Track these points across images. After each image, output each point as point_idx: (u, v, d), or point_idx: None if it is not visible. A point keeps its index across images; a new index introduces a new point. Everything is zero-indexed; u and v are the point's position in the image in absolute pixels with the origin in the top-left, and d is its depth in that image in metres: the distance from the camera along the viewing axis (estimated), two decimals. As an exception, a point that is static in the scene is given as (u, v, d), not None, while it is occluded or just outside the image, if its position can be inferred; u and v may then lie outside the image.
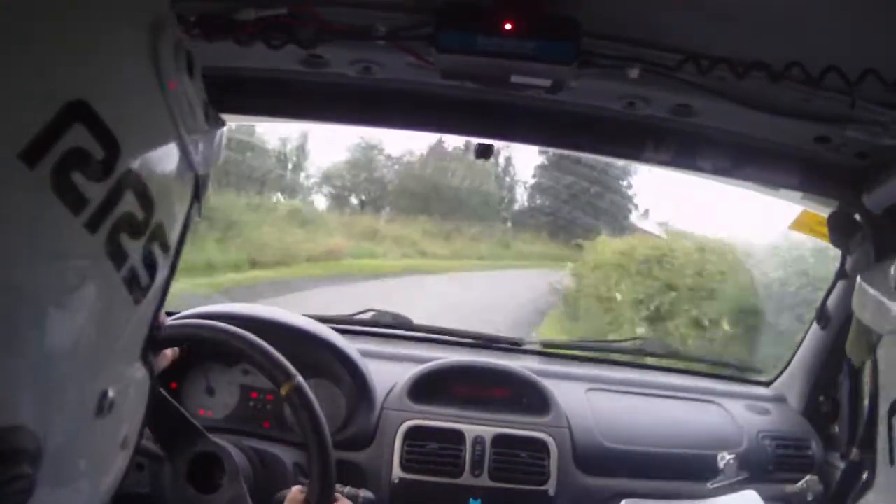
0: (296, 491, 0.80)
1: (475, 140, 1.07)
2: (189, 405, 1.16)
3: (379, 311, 1.51)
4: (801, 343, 1.37)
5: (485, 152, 1.09)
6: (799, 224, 1.24)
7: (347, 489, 0.92)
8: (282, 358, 0.86)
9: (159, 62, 0.43)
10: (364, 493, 0.92)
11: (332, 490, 0.82)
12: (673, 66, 0.76)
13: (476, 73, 0.82)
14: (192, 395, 1.17)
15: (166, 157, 0.46)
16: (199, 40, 0.75)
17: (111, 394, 0.45)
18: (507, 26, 0.72)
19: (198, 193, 0.51)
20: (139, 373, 0.50)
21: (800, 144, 0.97)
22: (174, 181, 0.47)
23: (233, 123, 1.23)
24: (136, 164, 0.41)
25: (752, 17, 0.69)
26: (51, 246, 0.37)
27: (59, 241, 0.37)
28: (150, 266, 0.45)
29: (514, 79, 0.79)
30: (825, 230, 1.16)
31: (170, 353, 0.84)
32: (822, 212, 1.17)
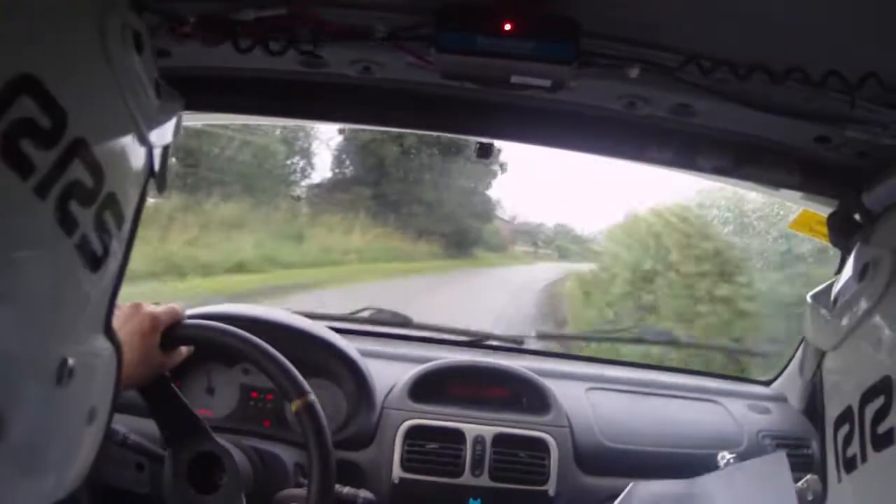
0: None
1: (475, 140, 1.07)
2: (189, 405, 1.17)
3: (377, 310, 1.52)
4: (801, 342, 1.37)
5: (485, 152, 1.09)
6: (799, 224, 1.24)
7: (347, 489, 0.92)
8: (295, 372, 0.86)
9: (106, 39, 0.45)
10: (364, 494, 0.93)
11: (333, 488, 0.83)
12: (674, 66, 0.76)
13: (476, 74, 0.82)
14: (193, 394, 1.17)
15: (116, 130, 0.47)
16: (198, 41, 0.75)
17: (71, 362, 0.45)
18: (507, 26, 0.72)
19: (153, 168, 0.52)
20: (104, 347, 0.50)
21: (800, 144, 0.97)
22: (125, 153, 0.48)
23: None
24: (84, 134, 0.43)
25: (754, 19, 0.69)
26: (1, 210, 0.39)
27: (9, 206, 0.39)
28: (104, 236, 0.46)
29: (515, 79, 0.79)
30: (825, 230, 1.15)
31: (185, 350, 0.86)
32: (822, 212, 1.17)
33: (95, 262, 0.46)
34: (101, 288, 0.48)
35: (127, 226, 0.50)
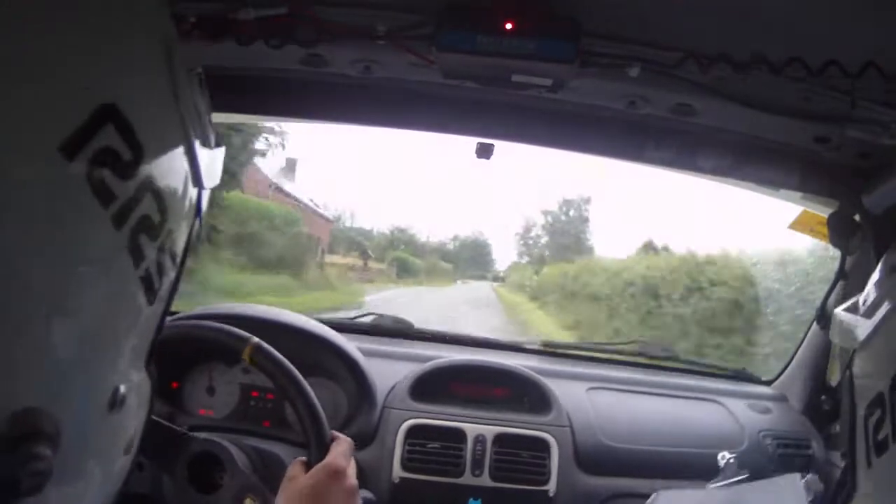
0: (296, 463, 0.77)
1: (475, 140, 1.07)
2: (189, 405, 1.17)
3: (379, 315, 1.52)
4: (801, 342, 1.38)
5: (485, 152, 1.09)
6: (799, 224, 1.24)
7: None
8: (233, 328, 0.85)
9: (174, 75, 0.46)
10: (364, 493, 0.92)
11: (326, 432, 0.80)
12: (673, 64, 0.77)
13: (477, 73, 0.82)
14: (193, 394, 1.17)
15: (179, 168, 0.48)
16: (199, 40, 0.75)
17: (122, 390, 0.46)
18: (508, 25, 0.72)
19: (200, 210, 0.53)
20: (144, 380, 0.51)
21: (800, 144, 0.97)
22: (183, 192, 0.49)
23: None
24: (155, 170, 0.44)
25: (752, 14, 0.69)
26: (81, 235, 0.40)
27: (90, 232, 0.40)
28: (161, 271, 0.47)
29: (515, 78, 0.79)
30: (825, 230, 1.16)
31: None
32: (822, 212, 1.17)
33: (152, 295, 0.47)
34: (152, 321, 0.49)
35: (177, 262, 0.50)
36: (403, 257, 16.88)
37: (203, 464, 0.88)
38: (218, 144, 0.55)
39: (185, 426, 1.02)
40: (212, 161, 0.53)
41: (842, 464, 1.14)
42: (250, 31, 0.74)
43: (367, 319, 1.50)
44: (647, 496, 1.15)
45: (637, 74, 0.77)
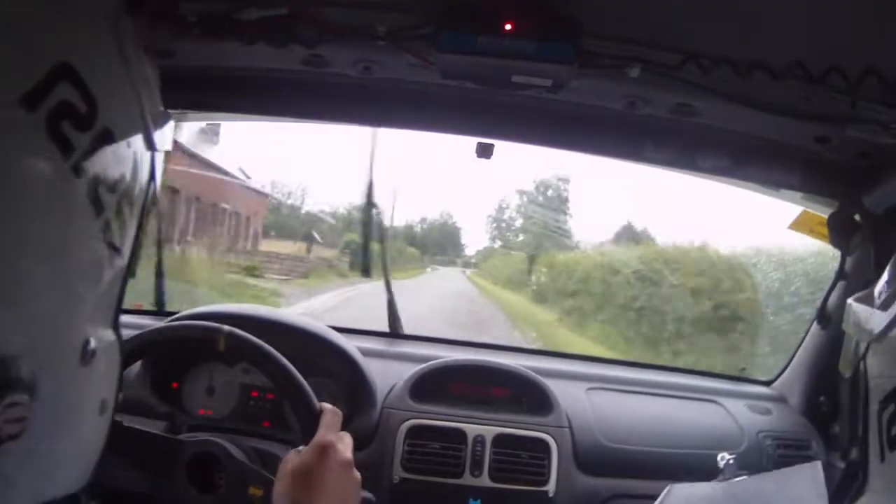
0: (292, 452, 0.76)
1: (475, 140, 1.07)
2: (189, 405, 1.17)
3: None
4: (801, 343, 1.38)
5: (485, 152, 1.09)
6: (799, 224, 1.24)
7: None
8: (204, 323, 0.85)
9: (122, 45, 0.49)
10: (364, 494, 0.92)
11: (313, 403, 0.80)
12: (674, 65, 0.77)
13: (476, 73, 0.82)
14: (193, 394, 1.17)
15: (132, 129, 0.51)
16: (199, 40, 0.75)
17: (92, 343, 0.48)
18: (507, 26, 0.72)
19: (154, 174, 0.55)
20: (112, 339, 0.52)
21: (800, 144, 0.97)
22: (137, 153, 0.51)
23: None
24: (110, 125, 0.46)
25: (753, 17, 0.69)
26: (43, 184, 0.42)
27: (51, 181, 0.42)
28: (121, 226, 0.49)
29: (515, 78, 0.79)
30: (825, 230, 1.16)
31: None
32: (822, 212, 1.17)
33: (114, 249, 0.49)
34: (114, 278, 0.51)
35: (134, 226, 0.52)
36: (358, 241, 14.85)
37: (202, 464, 0.88)
38: (167, 114, 0.58)
39: (184, 426, 1.02)
40: (161, 128, 0.56)
41: (841, 464, 1.14)
42: (251, 31, 0.74)
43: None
44: (646, 497, 1.15)
45: (637, 75, 0.77)
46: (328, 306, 7.62)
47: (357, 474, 0.73)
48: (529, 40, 0.73)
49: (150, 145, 0.53)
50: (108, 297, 0.51)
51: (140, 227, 0.53)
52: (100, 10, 0.48)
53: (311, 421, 0.77)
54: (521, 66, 0.75)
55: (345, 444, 0.73)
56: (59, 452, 0.47)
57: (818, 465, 1.02)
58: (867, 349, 0.69)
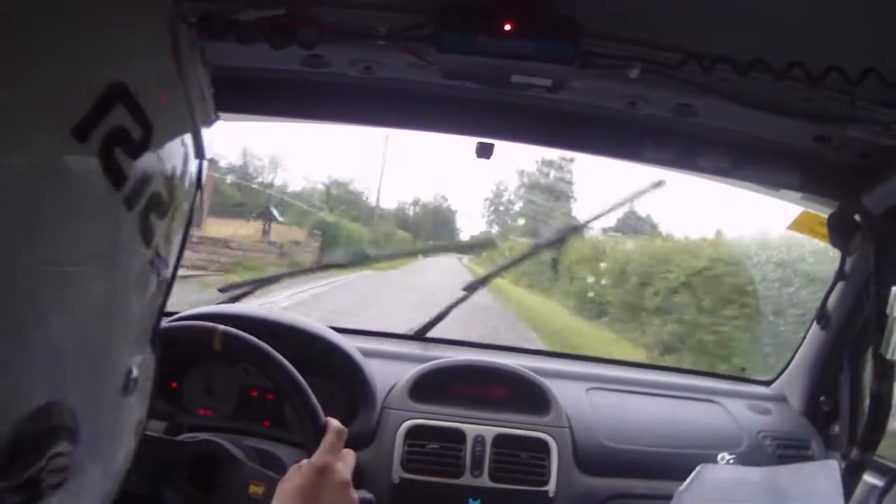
0: (294, 467, 0.76)
1: (475, 139, 1.07)
2: (189, 405, 1.17)
3: None
4: (801, 343, 1.38)
5: (485, 152, 1.09)
6: (798, 224, 1.24)
7: None
8: (197, 323, 0.85)
9: (179, 54, 0.46)
10: (364, 494, 0.92)
11: (319, 414, 0.80)
12: (674, 65, 0.77)
13: (476, 73, 0.82)
14: (192, 394, 1.17)
15: (184, 143, 0.48)
16: (199, 40, 0.75)
17: (135, 372, 0.46)
18: (507, 26, 0.72)
19: (201, 181, 0.52)
20: (150, 358, 0.51)
21: (800, 144, 0.97)
22: (188, 166, 0.49)
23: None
24: (163, 147, 0.44)
25: (753, 17, 0.69)
26: (95, 219, 0.39)
27: (103, 215, 0.39)
28: (168, 247, 0.47)
29: (515, 78, 0.79)
30: (825, 231, 1.16)
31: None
32: (822, 212, 1.17)
33: (159, 273, 0.47)
34: (157, 300, 0.49)
35: (179, 239, 0.50)
36: (333, 222, 11.48)
37: (202, 464, 0.88)
38: (216, 117, 0.55)
39: (184, 426, 1.02)
40: (209, 134, 0.53)
41: (842, 465, 1.14)
42: (251, 31, 0.74)
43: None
44: (646, 497, 1.15)
45: (637, 75, 0.77)
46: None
47: (354, 495, 0.73)
48: (529, 40, 0.73)
49: (199, 153, 0.50)
50: (151, 318, 0.49)
51: (185, 239, 0.51)
52: (157, 18, 0.45)
53: (316, 434, 0.77)
54: (521, 66, 0.75)
55: (345, 464, 0.74)
56: (96, 482, 0.45)
57: (834, 463, 1.03)
58: None
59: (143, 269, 0.44)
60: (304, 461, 0.73)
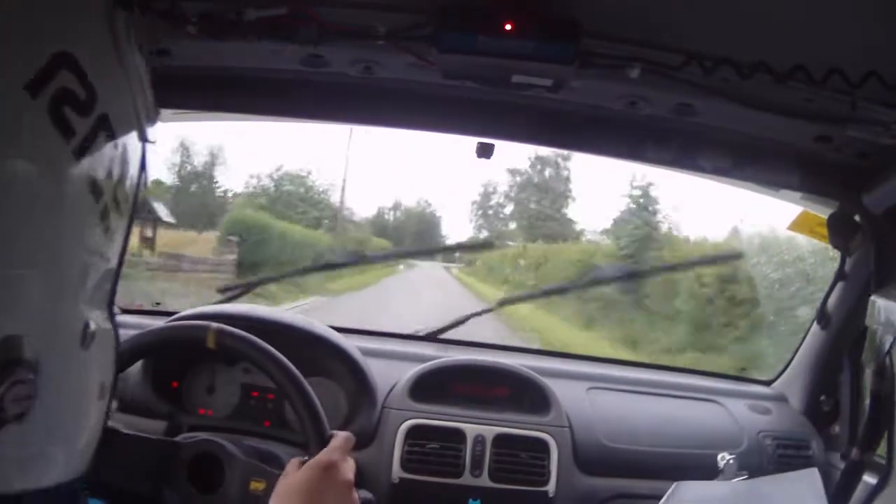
0: (293, 462, 0.76)
1: (475, 140, 1.07)
2: (189, 404, 1.17)
3: None
4: (801, 343, 1.37)
5: (485, 152, 1.09)
6: (798, 225, 1.24)
7: None
8: (190, 323, 0.85)
9: (116, 37, 0.50)
10: (364, 494, 0.92)
11: (324, 431, 0.79)
12: (675, 66, 0.76)
13: (477, 73, 0.82)
14: (193, 394, 1.17)
15: (126, 119, 0.52)
16: (199, 40, 0.75)
17: (92, 327, 0.49)
18: (508, 26, 0.72)
19: (144, 165, 0.57)
20: (108, 324, 0.54)
21: (800, 144, 0.97)
22: (131, 143, 0.53)
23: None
24: (108, 111, 0.48)
25: (754, 19, 0.69)
26: (47, 167, 0.43)
27: (54, 165, 0.44)
28: (116, 213, 0.51)
29: (515, 78, 0.79)
30: (825, 231, 1.16)
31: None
32: (822, 212, 1.17)
33: (110, 235, 0.51)
34: (112, 264, 0.53)
35: (127, 216, 0.54)
36: (265, 225, 8.15)
37: (202, 464, 0.88)
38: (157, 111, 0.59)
39: (184, 426, 1.02)
40: (153, 119, 0.57)
41: (841, 464, 1.14)
42: (251, 31, 0.74)
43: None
44: (646, 497, 1.15)
45: (637, 75, 0.77)
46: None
47: (356, 497, 0.73)
48: (530, 40, 0.73)
49: (143, 137, 0.55)
50: (105, 284, 0.52)
51: (132, 218, 0.55)
52: (94, 4, 0.49)
53: (316, 433, 0.78)
54: (522, 66, 0.75)
55: (348, 466, 0.73)
56: (60, 435, 0.47)
57: (815, 471, 1.03)
58: (893, 343, 0.69)
59: (94, 226, 0.48)
60: (308, 458, 0.73)
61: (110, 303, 0.54)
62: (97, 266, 0.50)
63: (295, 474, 0.71)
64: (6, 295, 0.41)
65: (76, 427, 0.50)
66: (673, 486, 1.06)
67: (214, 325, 0.83)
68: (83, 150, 0.45)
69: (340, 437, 0.76)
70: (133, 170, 0.54)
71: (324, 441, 0.75)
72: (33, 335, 0.42)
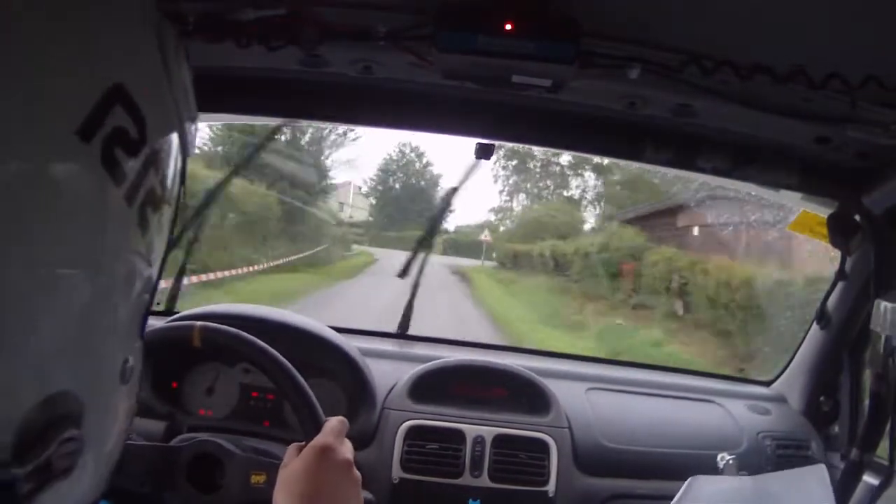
0: (291, 449, 0.76)
1: (475, 140, 1.07)
2: (189, 405, 1.17)
3: None
4: (801, 343, 1.37)
5: (485, 152, 1.09)
6: (798, 225, 1.24)
7: None
8: (174, 323, 0.85)
9: (165, 53, 0.48)
10: (364, 494, 0.92)
11: (318, 415, 0.79)
12: (675, 67, 0.76)
13: (476, 73, 0.82)
14: (192, 394, 1.17)
15: (172, 140, 0.50)
16: (199, 40, 0.75)
17: (131, 361, 0.48)
18: (508, 26, 0.72)
19: (185, 177, 0.55)
20: (140, 347, 0.53)
21: (800, 145, 0.97)
22: (176, 164, 0.51)
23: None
24: (156, 145, 0.46)
25: (754, 20, 0.69)
26: (98, 215, 0.41)
27: (105, 211, 0.41)
28: (161, 241, 0.49)
29: (515, 78, 0.79)
30: (825, 231, 1.16)
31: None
32: (822, 212, 1.17)
33: (151, 262, 0.49)
34: (150, 290, 0.51)
35: (167, 232, 0.52)
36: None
37: (202, 465, 0.88)
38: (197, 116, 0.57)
39: (184, 426, 1.02)
40: (192, 132, 0.55)
41: (841, 465, 1.14)
42: (251, 31, 0.74)
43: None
44: (646, 497, 1.15)
45: (637, 76, 0.77)
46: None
47: (357, 474, 0.73)
48: (529, 40, 0.73)
49: (184, 150, 0.52)
50: (142, 309, 0.51)
51: (171, 232, 0.53)
52: (142, 19, 0.46)
53: (316, 429, 0.76)
54: (521, 66, 0.75)
55: (346, 447, 0.73)
56: (92, 472, 0.46)
57: (823, 467, 1.04)
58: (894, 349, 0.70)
59: (140, 263, 0.47)
60: (305, 444, 0.73)
61: (144, 323, 0.53)
62: (137, 297, 0.48)
63: (294, 461, 0.71)
64: (53, 349, 0.39)
65: (109, 460, 0.49)
66: (688, 480, 1.06)
67: (199, 323, 0.83)
68: (133, 193, 0.43)
69: (334, 420, 0.76)
70: (175, 188, 0.51)
71: (318, 426, 0.76)
72: (78, 387, 0.41)
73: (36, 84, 0.36)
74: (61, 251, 0.38)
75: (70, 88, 0.38)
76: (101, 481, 0.49)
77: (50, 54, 0.37)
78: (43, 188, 0.37)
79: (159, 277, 0.53)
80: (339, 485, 0.70)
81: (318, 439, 0.72)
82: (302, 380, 0.81)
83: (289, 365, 0.81)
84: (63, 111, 0.38)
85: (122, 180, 0.41)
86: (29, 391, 0.38)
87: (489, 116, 1.01)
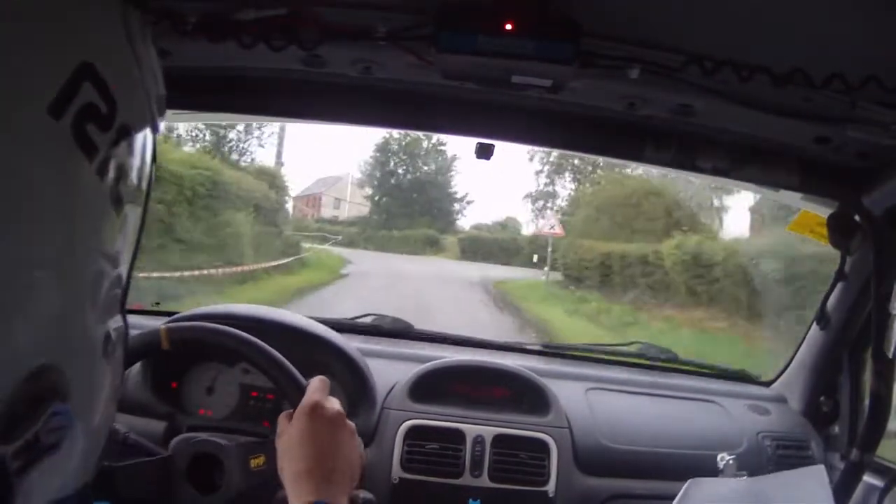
0: (282, 418, 0.76)
1: (475, 140, 1.07)
2: (189, 405, 1.17)
3: (378, 315, 1.52)
4: (801, 343, 1.38)
5: (485, 152, 1.09)
6: (798, 225, 1.24)
7: None
8: (139, 332, 0.85)
9: (131, 34, 0.49)
10: (364, 494, 0.92)
11: (298, 380, 0.80)
12: (675, 67, 0.76)
13: (476, 73, 0.82)
14: (192, 394, 1.17)
15: (143, 119, 0.51)
16: (199, 40, 0.75)
17: (113, 336, 0.49)
18: (508, 26, 0.72)
19: (155, 156, 0.56)
20: (121, 325, 0.53)
21: (800, 145, 0.97)
22: (147, 141, 0.52)
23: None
24: (127, 120, 0.47)
25: (754, 21, 0.69)
26: (70, 189, 0.42)
27: (78, 185, 0.42)
28: (135, 217, 0.50)
29: (515, 79, 0.79)
30: (825, 231, 1.16)
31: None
32: (822, 212, 1.17)
33: (125, 236, 0.50)
34: (126, 267, 0.52)
35: (141, 210, 0.53)
36: None
37: (203, 464, 0.88)
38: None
39: (184, 426, 1.01)
40: (160, 110, 0.56)
41: (841, 465, 1.15)
42: (250, 31, 0.74)
43: (367, 320, 1.51)
44: (646, 497, 1.15)
45: (636, 76, 0.77)
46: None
47: (351, 424, 0.74)
48: (529, 40, 0.73)
49: (154, 128, 0.54)
50: (121, 287, 0.52)
51: (145, 208, 0.54)
52: (109, 5, 0.48)
53: (299, 393, 0.77)
54: (521, 66, 0.75)
55: (333, 402, 0.75)
56: (80, 449, 0.47)
57: (822, 468, 1.04)
58: None
59: (115, 238, 0.48)
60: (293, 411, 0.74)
61: (124, 300, 0.53)
62: (114, 270, 0.49)
63: (287, 427, 0.72)
64: (36, 322, 0.39)
65: (93, 437, 0.49)
66: (687, 483, 1.06)
67: (163, 325, 0.83)
68: (105, 167, 0.44)
69: (315, 380, 0.77)
70: (147, 166, 0.52)
71: (302, 390, 0.76)
72: (61, 360, 0.41)
73: (4, 62, 0.37)
74: (35, 227, 0.39)
75: (39, 66, 0.39)
76: (89, 461, 0.50)
77: (18, 34, 0.38)
78: (14, 164, 0.37)
79: (136, 253, 0.53)
80: (337, 436, 0.72)
81: (306, 399, 0.73)
82: (275, 352, 0.82)
83: (259, 341, 0.82)
84: (33, 89, 0.38)
85: (94, 155, 0.43)
86: (16, 364, 0.38)
87: (489, 117, 1.01)
